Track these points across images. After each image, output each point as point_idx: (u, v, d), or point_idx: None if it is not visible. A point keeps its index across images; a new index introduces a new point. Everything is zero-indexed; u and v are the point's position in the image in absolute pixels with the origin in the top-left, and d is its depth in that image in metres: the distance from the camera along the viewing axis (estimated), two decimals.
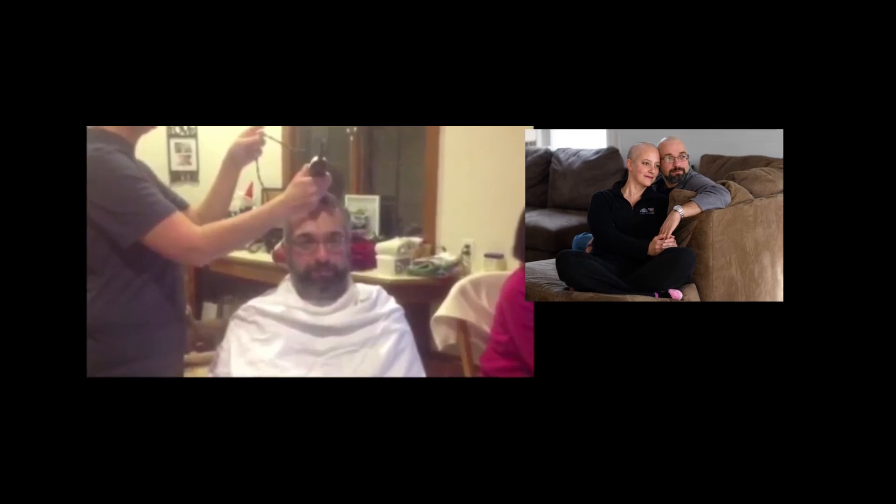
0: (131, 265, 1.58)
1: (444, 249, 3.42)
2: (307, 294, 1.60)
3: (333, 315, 1.60)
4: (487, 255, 3.16)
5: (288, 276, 1.67)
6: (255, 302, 1.63)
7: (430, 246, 3.48)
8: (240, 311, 1.63)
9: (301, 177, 1.56)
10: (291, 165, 4.04)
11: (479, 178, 3.28)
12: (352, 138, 3.87)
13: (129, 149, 1.63)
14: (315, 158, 1.56)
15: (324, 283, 1.59)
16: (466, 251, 3.31)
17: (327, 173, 1.57)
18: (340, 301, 1.61)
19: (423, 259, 3.26)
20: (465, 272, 3.16)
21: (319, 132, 3.99)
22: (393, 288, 3.03)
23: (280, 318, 1.58)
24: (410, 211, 3.77)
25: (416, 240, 3.38)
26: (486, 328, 2.33)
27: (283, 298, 1.62)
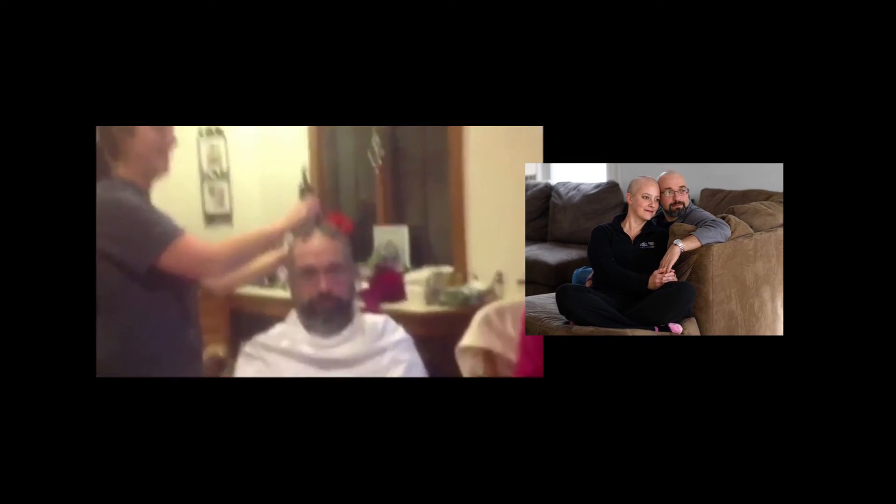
0: (146, 294, 1.60)
1: (475, 278, 3.34)
2: (312, 327, 1.57)
3: (339, 347, 1.56)
4: (520, 282, 3.07)
5: (294, 311, 1.63)
6: (261, 338, 1.61)
7: (462, 275, 3.40)
8: (246, 348, 1.62)
9: None
10: None
11: (507, 204, 3.21)
12: (378, 172, 3.85)
13: (139, 192, 1.65)
14: (301, 184, 1.76)
15: (327, 314, 1.56)
16: (499, 279, 3.23)
17: (311, 197, 1.76)
18: (346, 332, 1.58)
19: (453, 288, 3.19)
20: (497, 300, 3.07)
21: (343, 133, 4.00)
22: (425, 320, 3.00)
23: (285, 353, 1.55)
24: (441, 239, 3.71)
25: (447, 269, 3.32)
26: (514, 357, 2.25)
27: (289, 332, 1.59)
